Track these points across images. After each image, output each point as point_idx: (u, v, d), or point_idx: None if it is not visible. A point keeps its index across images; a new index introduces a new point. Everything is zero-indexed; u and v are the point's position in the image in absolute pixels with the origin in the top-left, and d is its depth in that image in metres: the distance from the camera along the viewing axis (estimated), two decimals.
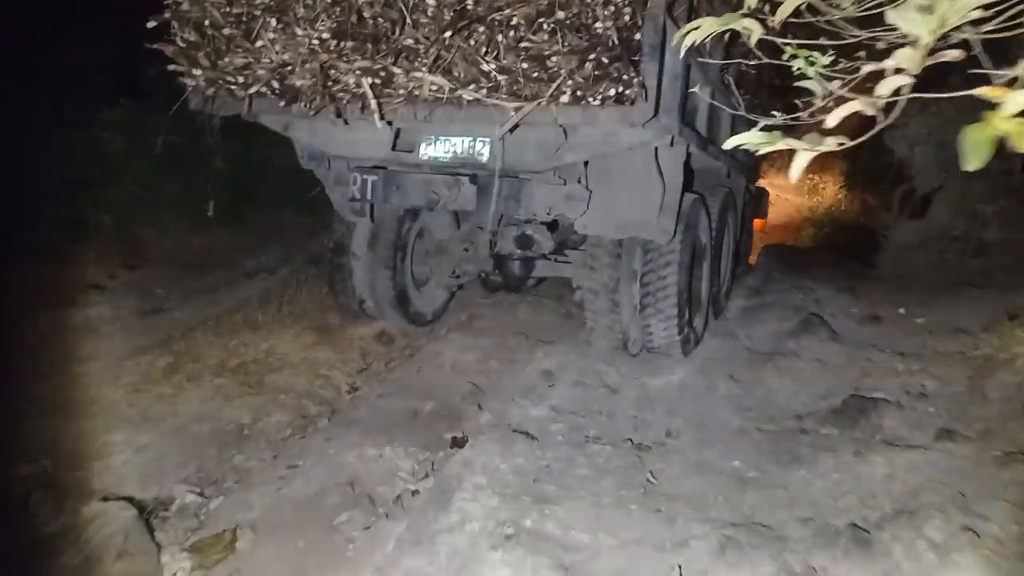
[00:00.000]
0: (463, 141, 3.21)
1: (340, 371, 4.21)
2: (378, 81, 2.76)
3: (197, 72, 3.01)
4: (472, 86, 2.66)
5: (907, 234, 6.36)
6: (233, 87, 2.99)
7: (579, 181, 3.33)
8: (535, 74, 2.61)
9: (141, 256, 6.48)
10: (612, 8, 2.55)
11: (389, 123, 3.05)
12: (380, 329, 4.73)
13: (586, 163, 3.29)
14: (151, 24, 3.00)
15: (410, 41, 2.74)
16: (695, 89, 2.97)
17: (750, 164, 6.15)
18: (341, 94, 2.87)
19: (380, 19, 2.76)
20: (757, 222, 7.04)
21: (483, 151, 3.17)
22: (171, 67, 3.07)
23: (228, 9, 2.94)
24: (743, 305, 5.24)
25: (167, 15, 3.04)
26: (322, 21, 2.80)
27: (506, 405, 3.63)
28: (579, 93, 2.58)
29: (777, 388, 3.53)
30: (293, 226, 8.28)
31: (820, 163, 13.43)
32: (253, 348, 4.27)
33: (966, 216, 6.10)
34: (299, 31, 2.80)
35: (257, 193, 8.72)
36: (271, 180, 9.15)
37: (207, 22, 2.97)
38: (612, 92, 2.57)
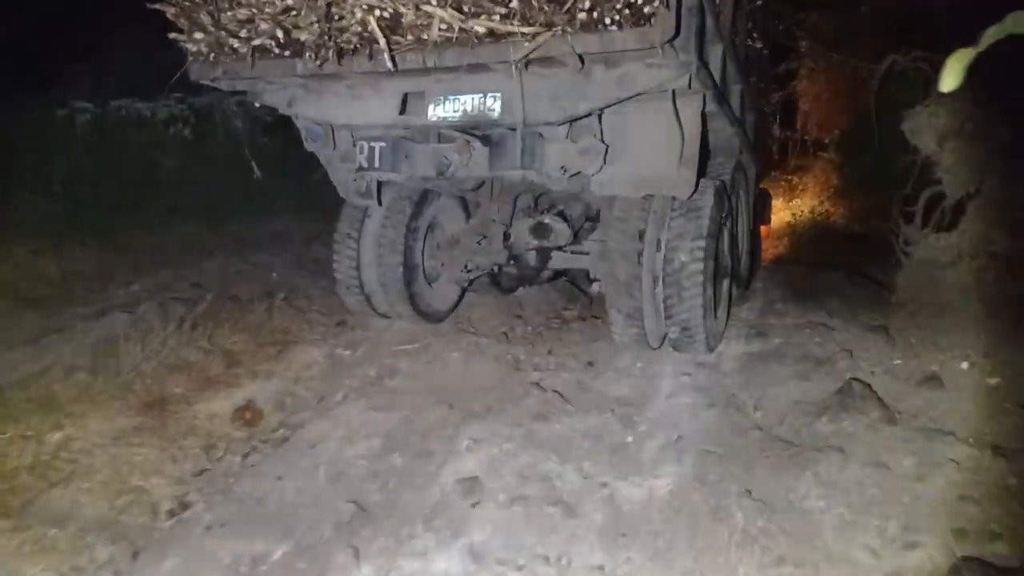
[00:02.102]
0: (473, 98, 3.07)
1: (165, 477, 2.82)
2: (386, 15, 2.63)
3: (199, 36, 2.90)
4: (483, 16, 2.56)
5: (934, 250, 5.14)
6: (235, 43, 2.88)
7: (594, 136, 3.19)
8: None
9: None
10: None
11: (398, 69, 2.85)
12: (244, 402, 3.35)
13: (600, 116, 3.14)
14: None
15: None
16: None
17: (761, 149, 5.70)
18: (347, 42, 2.76)
19: None
20: (762, 229, 6.05)
21: (494, 106, 3.03)
22: (172, 35, 2.95)
23: None
24: (744, 351, 3.95)
25: None
26: None
27: (400, 547, 2.31)
28: (595, 13, 2.45)
29: (823, 517, 2.25)
30: (193, 239, 6.85)
31: (802, 159, 12.25)
32: (36, 443, 2.87)
33: (1008, 228, 4.93)
34: None
35: (150, 200, 7.24)
36: (171, 184, 7.69)
37: None
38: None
